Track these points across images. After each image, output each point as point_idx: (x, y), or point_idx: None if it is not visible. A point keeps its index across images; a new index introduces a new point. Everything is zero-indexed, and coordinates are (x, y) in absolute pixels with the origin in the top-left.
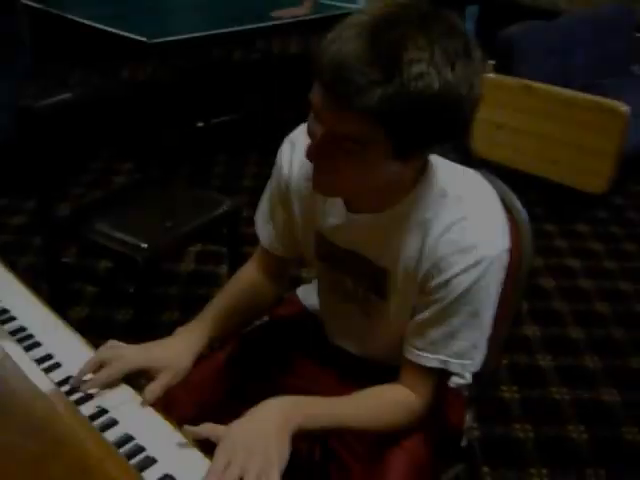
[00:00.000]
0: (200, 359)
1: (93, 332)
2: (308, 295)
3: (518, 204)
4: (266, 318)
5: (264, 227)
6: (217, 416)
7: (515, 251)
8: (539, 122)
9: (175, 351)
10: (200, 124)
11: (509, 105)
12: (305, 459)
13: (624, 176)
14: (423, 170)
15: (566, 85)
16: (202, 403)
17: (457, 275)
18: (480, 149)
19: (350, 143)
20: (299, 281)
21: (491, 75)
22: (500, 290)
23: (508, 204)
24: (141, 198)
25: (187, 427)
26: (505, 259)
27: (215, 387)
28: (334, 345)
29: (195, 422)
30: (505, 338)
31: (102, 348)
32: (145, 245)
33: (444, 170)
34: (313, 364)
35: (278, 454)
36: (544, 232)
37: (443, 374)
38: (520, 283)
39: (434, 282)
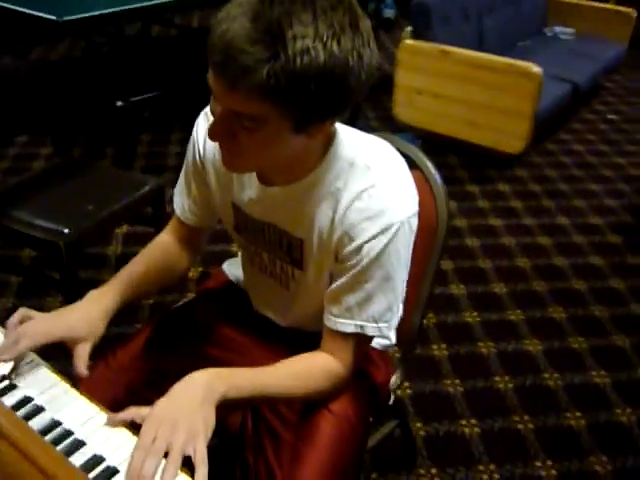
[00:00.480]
0: (127, 338)
1: None
2: (234, 268)
3: (431, 167)
4: (193, 295)
5: (179, 197)
6: (148, 395)
7: (431, 212)
8: (457, 86)
9: (90, 317)
10: (120, 103)
11: (427, 70)
12: (238, 430)
13: (540, 135)
14: (331, 140)
15: (482, 49)
16: (132, 383)
17: (367, 241)
18: (402, 114)
19: (247, 121)
20: (228, 255)
21: (409, 41)
22: (410, 252)
23: (421, 167)
24: (60, 182)
25: (110, 416)
26: (414, 223)
27: (144, 366)
28: (260, 316)
29: (126, 403)
30: (427, 296)
31: (13, 319)
32: (67, 230)
33: (353, 140)
34: (241, 336)
35: (203, 424)
36: (467, 193)
37: (365, 337)
38: (438, 242)
39: (346, 250)
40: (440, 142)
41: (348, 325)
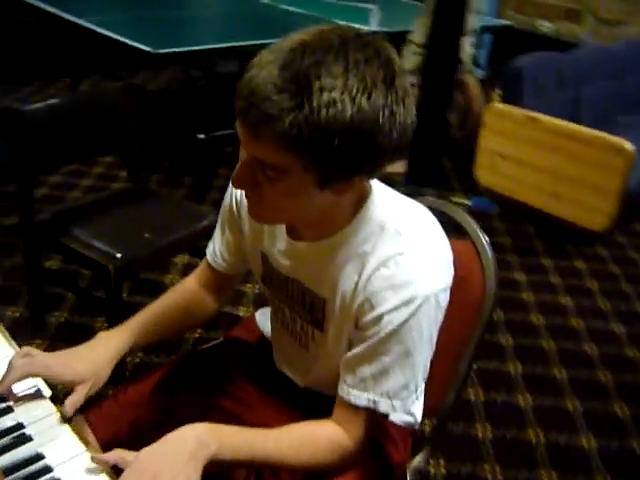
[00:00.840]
0: (140, 375)
1: (70, 338)
2: (265, 319)
3: (482, 236)
4: (221, 338)
5: (212, 242)
6: (150, 436)
7: (478, 283)
8: (543, 155)
9: (94, 360)
10: (202, 136)
11: (514, 136)
12: None
13: (628, 215)
14: (363, 200)
15: (576, 120)
16: (137, 421)
17: (388, 312)
18: (483, 177)
19: (270, 171)
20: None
21: (497, 105)
22: (437, 329)
23: (471, 235)
24: (125, 207)
25: (95, 456)
26: (443, 298)
27: (152, 406)
28: (280, 373)
29: (129, 440)
30: (465, 373)
31: (16, 354)
32: (118, 255)
33: (387, 202)
34: (258, 391)
35: None
36: (540, 266)
37: (377, 413)
38: (482, 317)
39: (366, 318)
40: (519, 210)
41: (361, 398)
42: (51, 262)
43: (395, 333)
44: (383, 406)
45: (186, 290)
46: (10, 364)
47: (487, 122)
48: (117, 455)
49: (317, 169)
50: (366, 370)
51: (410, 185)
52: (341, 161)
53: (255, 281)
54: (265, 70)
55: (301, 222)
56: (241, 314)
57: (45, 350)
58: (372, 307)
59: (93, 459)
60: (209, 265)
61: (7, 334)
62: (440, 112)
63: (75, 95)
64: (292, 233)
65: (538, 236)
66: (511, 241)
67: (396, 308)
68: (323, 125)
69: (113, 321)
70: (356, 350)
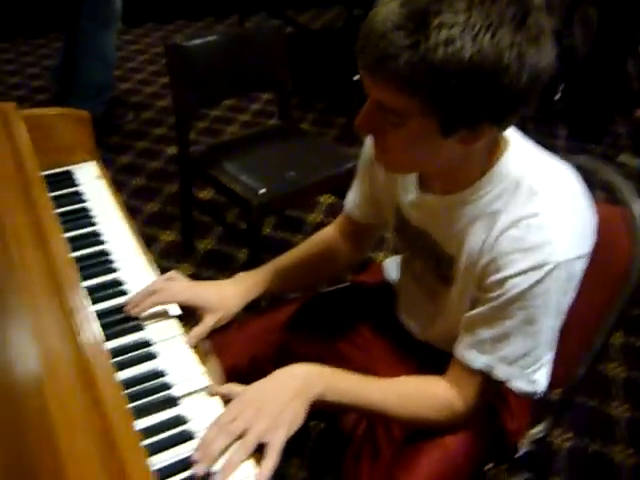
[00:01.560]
0: (265, 310)
1: (215, 266)
2: (393, 268)
3: (636, 206)
4: (347, 283)
5: (351, 192)
6: (268, 370)
7: (624, 255)
8: None
9: (226, 294)
10: (357, 77)
11: None
12: (349, 432)
13: None
14: (499, 154)
15: None
16: (257, 354)
17: (514, 276)
18: None
19: (391, 115)
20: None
21: None
22: (568, 300)
23: (626, 202)
24: (275, 144)
25: (212, 387)
26: (577, 268)
27: (272, 341)
28: (401, 323)
29: (248, 372)
30: (599, 348)
31: (159, 278)
32: (262, 190)
33: (524, 158)
34: (376, 338)
35: (290, 418)
36: None
37: (492, 378)
38: (625, 291)
39: (490, 279)
40: None
41: (477, 361)
42: (204, 192)
43: (519, 298)
44: (499, 372)
45: (325, 239)
46: (152, 287)
47: None
48: (230, 388)
49: (437, 114)
50: (485, 333)
51: (574, 140)
52: (461, 105)
53: None
54: (387, 7)
55: (430, 172)
56: (379, 259)
57: (191, 275)
58: (498, 269)
59: (209, 391)
60: (347, 215)
61: (150, 257)
62: (617, 58)
63: (233, 32)
64: (423, 184)
65: None
66: None
67: (523, 272)
68: (438, 65)
69: (254, 254)
70: (477, 311)
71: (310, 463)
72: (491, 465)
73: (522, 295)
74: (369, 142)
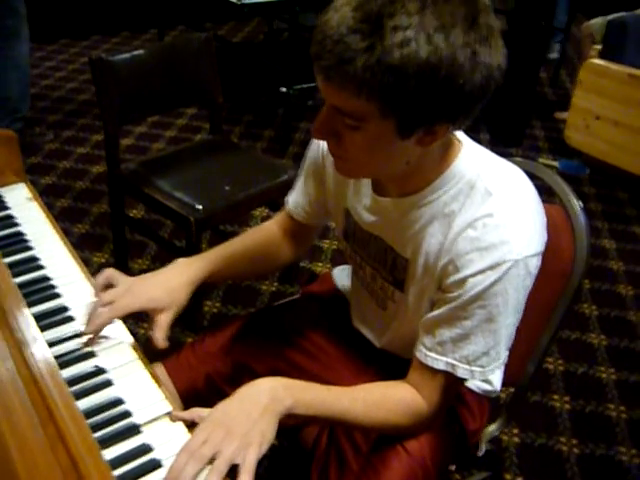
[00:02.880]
0: (218, 326)
1: None
2: (343, 276)
3: (576, 205)
4: (297, 295)
5: (294, 192)
6: (225, 389)
7: (568, 251)
8: None
9: (173, 288)
10: (283, 89)
11: (611, 95)
12: (311, 445)
13: None
14: (452, 157)
15: None
16: (213, 373)
17: (473, 275)
18: (574, 139)
19: (348, 119)
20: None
21: (595, 61)
22: (524, 297)
23: (562, 198)
24: (207, 159)
25: (175, 413)
26: (533, 265)
27: (227, 359)
28: (357, 332)
29: (205, 391)
30: (547, 344)
31: (99, 280)
32: (200, 206)
33: (477, 160)
34: (333, 348)
35: (259, 435)
36: (632, 235)
37: (455, 377)
38: (570, 287)
39: (449, 280)
40: (611, 174)
41: (439, 361)
42: (135, 211)
43: (479, 297)
44: (461, 371)
45: (266, 232)
46: (98, 292)
47: (582, 79)
48: (195, 412)
49: (395, 116)
50: (446, 333)
51: (495, 145)
52: (419, 106)
53: (333, 237)
54: (339, 12)
55: (387, 176)
56: (318, 270)
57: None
58: (456, 269)
59: (172, 417)
60: (289, 214)
61: (92, 280)
62: (530, 64)
63: (160, 45)
64: (378, 189)
65: (631, 202)
66: (601, 207)
67: (481, 271)
68: (396, 66)
69: None
70: (437, 312)
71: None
72: (454, 467)
73: (481, 294)
74: (317, 144)
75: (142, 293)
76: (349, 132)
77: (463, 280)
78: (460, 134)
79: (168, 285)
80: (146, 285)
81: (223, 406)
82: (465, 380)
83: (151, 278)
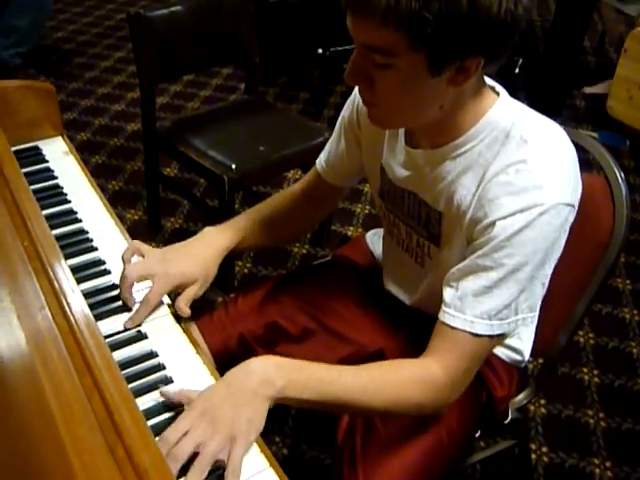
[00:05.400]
0: (250, 287)
1: None
2: (376, 240)
3: (617, 169)
4: (329, 257)
5: (325, 151)
6: (256, 348)
7: (606, 222)
8: None
9: (204, 260)
10: (320, 51)
11: None
12: None
13: None
14: (487, 106)
15: None
16: (244, 334)
17: (502, 218)
18: (616, 109)
19: (378, 56)
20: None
21: None
22: (556, 251)
23: (604, 167)
24: (242, 119)
25: (163, 391)
26: (564, 216)
27: (259, 319)
28: (387, 294)
29: (238, 351)
30: (581, 316)
31: (127, 254)
32: (233, 166)
33: (514, 110)
34: (362, 310)
35: (247, 425)
36: None
37: (477, 340)
38: (608, 258)
39: (478, 227)
40: None
41: (456, 318)
42: (169, 169)
43: (507, 243)
44: (480, 327)
45: (293, 198)
46: (125, 270)
47: (628, 47)
48: (182, 395)
49: (424, 47)
50: (469, 286)
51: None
52: (447, 33)
53: (365, 202)
54: None
55: (421, 124)
56: (349, 234)
57: None
58: (486, 215)
59: (162, 394)
60: (318, 175)
61: (127, 235)
62: (575, 32)
63: (198, 2)
64: (411, 142)
65: None
66: None
67: (511, 214)
68: None
69: None
70: (462, 264)
71: (292, 440)
72: (478, 433)
73: (510, 239)
74: (352, 102)
75: (175, 270)
76: (380, 73)
77: (491, 224)
78: (498, 87)
79: (199, 258)
80: (178, 260)
81: (209, 392)
82: (490, 340)
83: (181, 250)
